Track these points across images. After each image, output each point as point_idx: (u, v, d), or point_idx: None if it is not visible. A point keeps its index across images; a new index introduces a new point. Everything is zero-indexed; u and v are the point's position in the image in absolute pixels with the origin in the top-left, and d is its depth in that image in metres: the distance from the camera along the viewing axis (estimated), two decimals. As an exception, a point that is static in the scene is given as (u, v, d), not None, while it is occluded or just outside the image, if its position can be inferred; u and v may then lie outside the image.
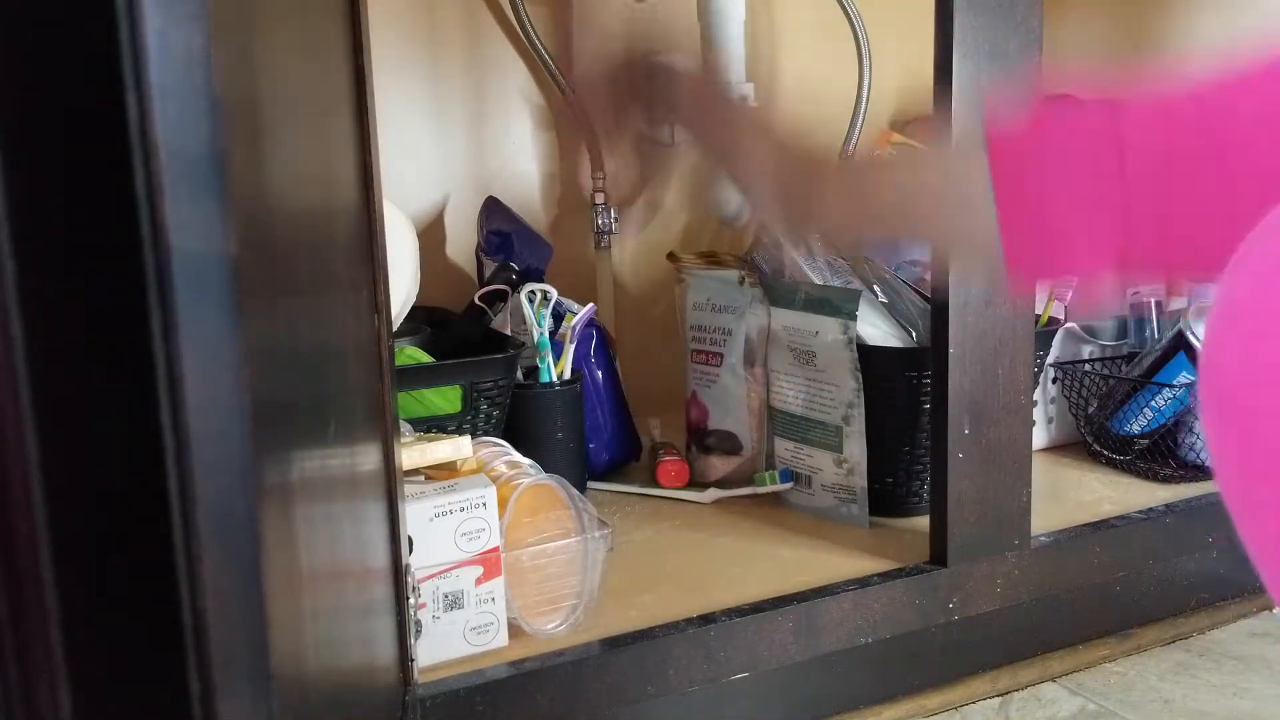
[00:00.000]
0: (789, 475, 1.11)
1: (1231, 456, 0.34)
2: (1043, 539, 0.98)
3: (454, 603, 0.77)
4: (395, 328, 1.05)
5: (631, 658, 0.80)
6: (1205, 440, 0.36)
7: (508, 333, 1.15)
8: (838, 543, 1.00)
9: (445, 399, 1.02)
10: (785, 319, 1.09)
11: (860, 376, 1.01)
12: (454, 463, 0.82)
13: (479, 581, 0.78)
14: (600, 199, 1.42)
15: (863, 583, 0.90)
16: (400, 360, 1.02)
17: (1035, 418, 1.26)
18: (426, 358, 1.05)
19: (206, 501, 0.27)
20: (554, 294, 1.15)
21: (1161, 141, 0.39)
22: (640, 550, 1.00)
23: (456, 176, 1.40)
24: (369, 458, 0.60)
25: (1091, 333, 1.31)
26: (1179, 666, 1.04)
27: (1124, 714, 0.95)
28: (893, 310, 1.07)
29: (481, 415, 1.05)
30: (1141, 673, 1.02)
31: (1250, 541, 0.35)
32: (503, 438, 1.09)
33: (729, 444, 1.16)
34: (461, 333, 1.15)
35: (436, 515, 0.76)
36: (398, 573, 0.71)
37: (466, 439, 0.83)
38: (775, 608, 0.85)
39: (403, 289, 1.06)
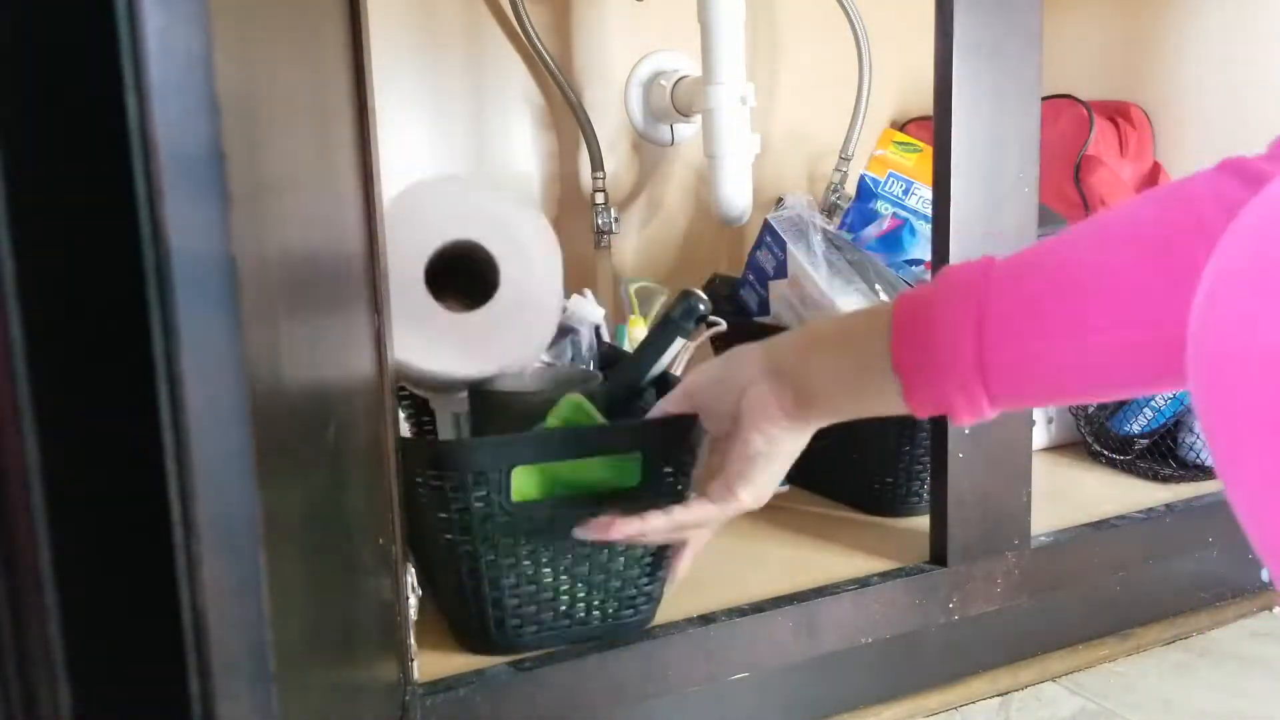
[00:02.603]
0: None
1: (1220, 424, 0.35)
2: (1043, 539, 0.98)
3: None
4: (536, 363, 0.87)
5: (631, 658, 0.80)
6: (1197, 414, 0.38)
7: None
8: (838, 543, 1.00)
9: (620, 471, 0.76)
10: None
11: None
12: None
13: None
14: (600, 199, 1.42)
15: (863, 583, 0.89)
16: (564, 416, 0.77)
17: (1035, 418, 1.26)
18: (597, 416, 0.78)
19: (206, 501, 0.27)
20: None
21: None
22: (640, 550, 1.00)
23: (456, 176, 1.40)
24: (369, 455, 0.60)
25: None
26: (1179, 666, 1.03)
27: (1124, 714, 0.95)
28: (893, 310, 1.07)
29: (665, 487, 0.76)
30: (1141, 673, 1.02)
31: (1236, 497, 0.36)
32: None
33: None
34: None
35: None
36: (398, 571, 0.71)
37: None
38: (775, 608, 0.85)
39: (549, 319, 0.85)
